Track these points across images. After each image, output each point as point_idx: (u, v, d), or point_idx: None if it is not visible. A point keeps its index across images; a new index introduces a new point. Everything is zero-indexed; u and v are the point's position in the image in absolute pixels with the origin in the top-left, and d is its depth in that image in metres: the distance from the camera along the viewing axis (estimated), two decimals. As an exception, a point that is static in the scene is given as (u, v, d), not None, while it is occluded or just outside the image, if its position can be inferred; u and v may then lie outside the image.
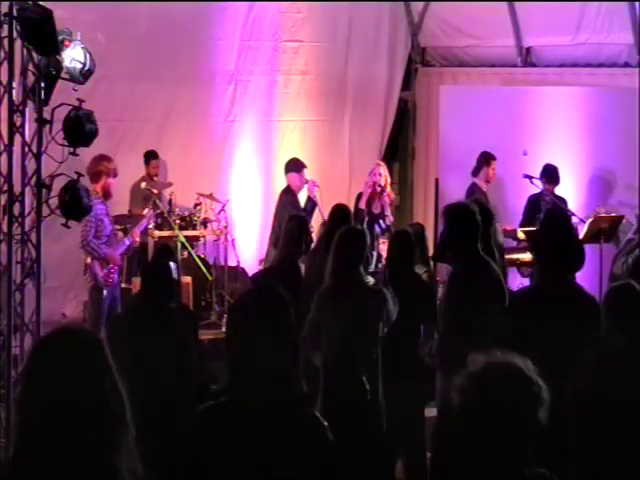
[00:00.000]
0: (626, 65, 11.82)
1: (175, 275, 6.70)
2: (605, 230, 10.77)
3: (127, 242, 9.78)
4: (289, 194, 11.01)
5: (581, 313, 5.59)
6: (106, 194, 9.59)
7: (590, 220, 10.81)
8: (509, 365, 3.18)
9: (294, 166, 11.21)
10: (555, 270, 5.70)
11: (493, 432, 3.14)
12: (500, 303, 6.10)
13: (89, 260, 9.55)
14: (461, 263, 6.36)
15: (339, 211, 8.44)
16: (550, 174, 11.34)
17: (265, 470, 3.26)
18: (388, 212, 11.14)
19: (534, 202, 11.37)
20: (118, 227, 10.18)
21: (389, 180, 11.55)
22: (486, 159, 11.56)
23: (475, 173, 11.60)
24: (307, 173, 11.19)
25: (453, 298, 6.32)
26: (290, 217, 8.63)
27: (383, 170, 11.35)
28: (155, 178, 11.33)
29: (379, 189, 11.07)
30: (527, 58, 12.75)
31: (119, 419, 2.84)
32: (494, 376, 3.16)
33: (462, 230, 6.34)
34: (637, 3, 11.36)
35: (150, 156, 11.26)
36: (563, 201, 11.37)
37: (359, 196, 11.29)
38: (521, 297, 6.13)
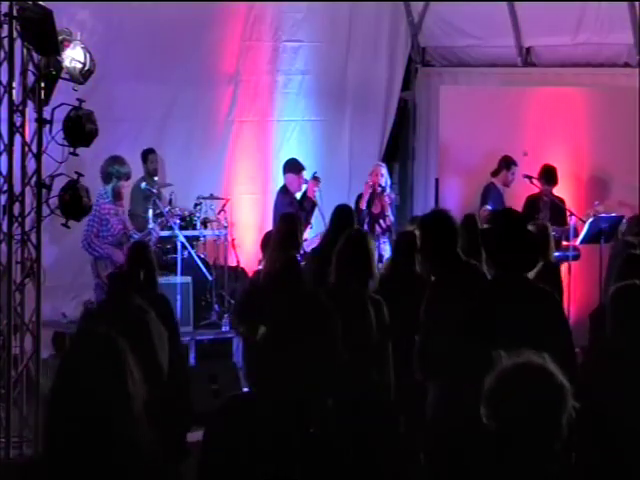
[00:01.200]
0: (626, 65, 11.82)
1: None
2: (605, 230, 10.78)
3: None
4: (286, 194, 11.03)
5: (540, 309, 5.47)
6: (117, 195, 9.66)
7: (590, 220, 10.82)
8: (537, 366, 3.20)
9: (292, 167, 11.21)
10: (508, 268, 5.57)
11: (520, 432, 3.16)
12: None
13: (92, 260, 9.61)
14: (441, 271, 6.28)
15: (342, 212, 8.42)
16: (549, 174, 11.35)
17: None
18: (388, 212, 11.15)
19: (533, 202, 11.37)
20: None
21: (389, 181, 11.57)
22: (507, 163, 11.66)
23: (495, 174, 11.66)
24: (306, 174, 11.22)
25: (432, 305, 6.23)
26: (281, 217, 8.63)
27: (384, 171, 11.38)
28: (155, 177, 11.33)
29: (379, 189, 11.08)
30: (527, 58, 12.74)
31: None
32: (522, 377, 3.18)
33: (438, 238, 6.27)
34: (637, 3, 11.36)
35: (147, 152, 11.25)
36: (561, 201, 11.38)
37: (359, 197, 11.30)
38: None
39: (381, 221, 11.11)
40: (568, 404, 3.18)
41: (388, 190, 11.45)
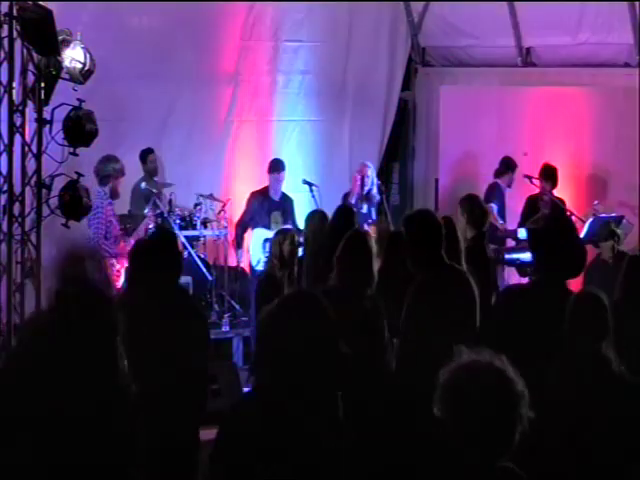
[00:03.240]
0: (626, 65, 11.82)
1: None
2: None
3: (132, 242, 9.80)
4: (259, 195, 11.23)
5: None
6: (114, 194, 9.67)
7: (590, 220, 10.82)
8: (488, 365, 3.20)
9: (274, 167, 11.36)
10: (554, 271, 5.65)
11: (470, 429, 3.17)
12: (469, 306, 6.05)
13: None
14: (424, 272, 6.26)
15: (344, 212, 8.40)
16: (548, 173, 11.34)
17: None
18: (373, 214, 11.23)
19: (533, 202, 11.38)
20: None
21: (376, 181, 11.56)
22: (511, 165, 11.66)
23: (498, 175, 11.66)
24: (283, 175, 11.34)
25: (415, 307, 6.22)
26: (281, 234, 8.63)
27: (370, 171, 11.42)
28: (155, 177, 11.33)
29: (366, 190, 11.16)
30: (527, 58, 12.74)
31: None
32: (472, 376, 3.18)
33: (421, 240, 6.25)
34: (637, 3, 11.36)
35: (146, 152, 11.25)
36: (561, 201, 11.38)
37: (346, 195, 11.36)
38: (513, 295, 6.07)
39: (370, 221, 11.15)
40: (522, 414, 3.17)
41: (374, 190, 11.47)
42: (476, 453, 3.19)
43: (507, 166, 11.73)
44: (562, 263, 5.66)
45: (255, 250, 11.20)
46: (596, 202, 11.13)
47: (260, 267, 11.09)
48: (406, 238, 6.29)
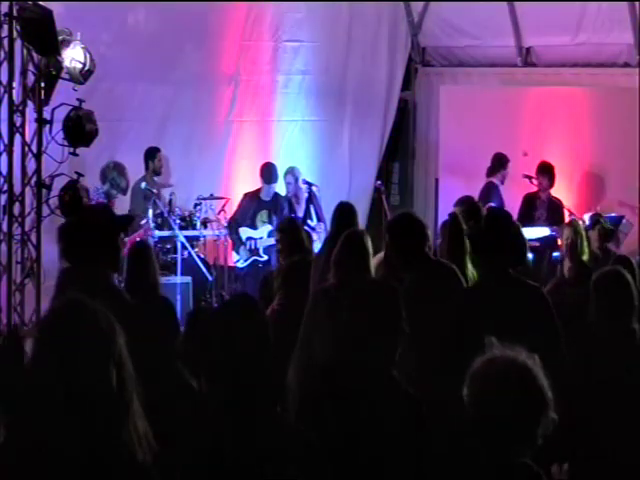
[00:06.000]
0: (626, 65, 11.82)
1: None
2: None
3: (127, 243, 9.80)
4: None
5: (526, 305, 5.53)
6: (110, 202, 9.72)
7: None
8: (520, 361, 3.22)
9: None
10: (498, 265, 5.64)
11: (494, 422, 3.18)
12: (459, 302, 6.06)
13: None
14: (413, 272, 6.25)
15: (344, 210, 8.36)
16: (545, 170, 11.32)
17: None
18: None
19: (530, 201, 11.37)
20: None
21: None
22: (504, 161, 11.63)
23: (491, 173, 11.63)
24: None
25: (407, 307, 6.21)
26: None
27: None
28: (159, 175, 11.35)
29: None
30: (527, 58, 12.75)
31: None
32: (504, 370, 3.20)
33: (404, 240, 6.25)
34: (637, 3, 11.37)
35: (154, 150, 11.26)
36: (558, 201, 11.36)
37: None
38: (467, 295, 6.10)
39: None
40: (548, 415, 3.19)
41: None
42: (497, 447, 3.20)
43: (500, 162, 11.68)
44: (505, 256, 5.65)
45: (238, 248, 11.35)
46: (598, 208, 11.12)
47: (241, 265, 11.25)
48: (390, 242, 6.29)
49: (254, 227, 11.28)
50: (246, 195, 11.51)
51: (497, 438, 3.20)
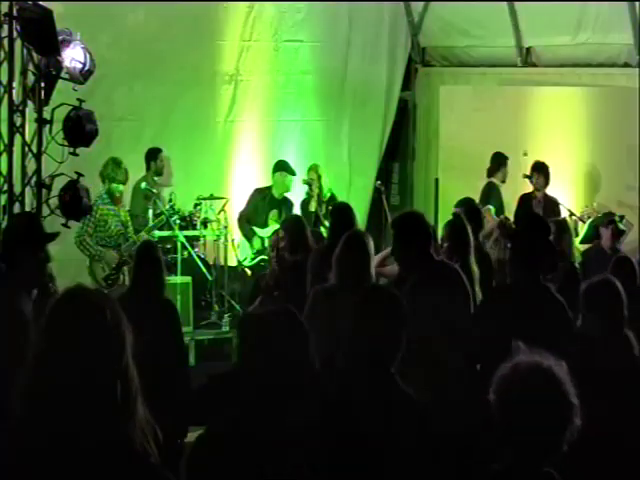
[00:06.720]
0: (626, 65, 11.82)
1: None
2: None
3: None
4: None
5: (551, 313, 5.63)
6: (112, 198, 9.67)
7: (590, 220, 10.80)
8: (546, 367, 3.20)
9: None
10: (530, 270, 5.74)
11: (520, 428, 3.17)
12: (463, 303, 6.07)
13: (87, 262, 9.62)
14: (416, 273, 6.24)
15: (342, 210, 8.36)
16: (539, 168, 11.31)
17: None
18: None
19: (525, 200, 11.36)
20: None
21: (327, 182, 11.54)
22: (502, 161, 11.62)
23: (491, 174, 11.63)
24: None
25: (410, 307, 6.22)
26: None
27: (322, 171, 11.44)
28: (161, 176, 11.35)
29: (317, 191, 11.23)
30: (527, 58, 12.75)
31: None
32: (530, 376, 3.18)
33: (409, 240, 6.25)
34: (637, 3, 11.36)
35: (155, 151, 11.26)
36: (554, 201, 11.35)
37: (304, 201, 11.43)
38: (495, 295, 6.13)
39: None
40: (574, 421, 3.17)
41: (323, 193, 11.52)
42: (522, 454, 3.18)
43: (498, 162, 11.69)
44: (539, 262, 5.80)
45: (244, 247, 11.29)
46: (595, 204, 11.13)
47: (246, 263, 11.20)
48: (395, 241, 6.27)
49: (264, 226, 11.19)
50: (256, 191, 11.43)
51: (523, 444, 3.17)
